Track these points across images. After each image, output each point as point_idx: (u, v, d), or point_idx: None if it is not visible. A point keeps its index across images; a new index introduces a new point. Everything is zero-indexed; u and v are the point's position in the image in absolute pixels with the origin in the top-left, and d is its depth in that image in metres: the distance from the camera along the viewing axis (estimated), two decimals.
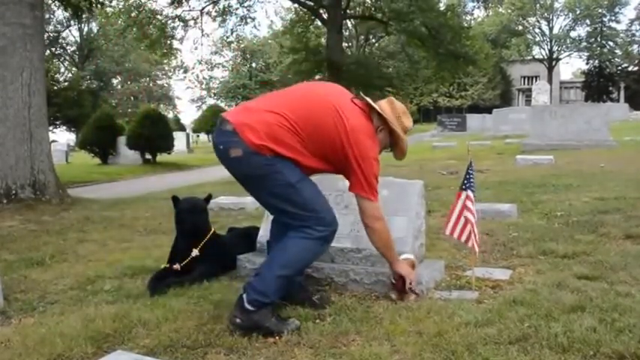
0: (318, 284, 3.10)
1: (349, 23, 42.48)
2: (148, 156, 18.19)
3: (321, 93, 2.65)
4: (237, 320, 2.46)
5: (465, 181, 3.01)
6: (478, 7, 62.14)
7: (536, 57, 62.69)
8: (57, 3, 14.43)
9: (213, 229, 3.58)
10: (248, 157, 2.44)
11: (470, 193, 2.99)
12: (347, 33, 45.50)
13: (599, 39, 59.38)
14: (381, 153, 2.73)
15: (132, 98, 57.12)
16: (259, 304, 2.46)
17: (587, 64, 60.84)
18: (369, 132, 2.60)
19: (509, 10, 59.86)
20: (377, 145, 2.63)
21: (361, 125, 2.57)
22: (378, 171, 2.60)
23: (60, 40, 52.51)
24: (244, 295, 2.50)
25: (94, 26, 51.79)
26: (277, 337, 2.41)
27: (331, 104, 2.55)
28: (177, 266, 3.38)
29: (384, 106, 2.70)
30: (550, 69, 60.20)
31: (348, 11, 33.17)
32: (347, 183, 3.28)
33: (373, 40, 47.84)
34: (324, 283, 3.10)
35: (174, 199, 3.48)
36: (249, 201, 6.14)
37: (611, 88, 57.07)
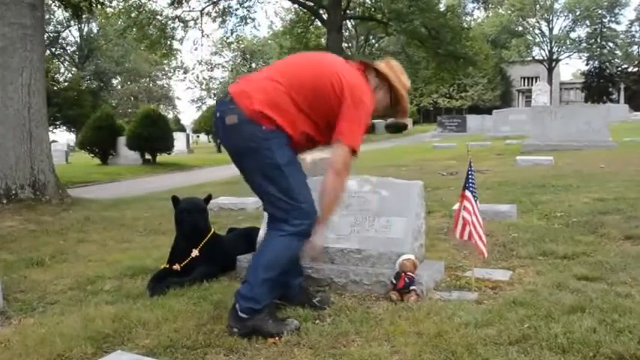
0: (318, 285, 3.10)
1: (349, 24, 42.51)
2: (148, 156, 18.19)
3: (317, 58, 2.63)
4: (235, 330, 2.45)
5: (466, 182, 3.02)
6: (478, 8, 62.17)
7: (536, 58, 62.74)
8: (57, 3, 14.42)
9: (213, 230, 3.58)
10: (242, 125, 2.42)
11: (468, 193, 2.99)
12: (347, 33, 45.52)
13: (599, 40, 59.44)
14: (380, 118, 2.71)
15: (132, 98, 57.18)
16: (253, 311, 2.45)
17: (587, 65, 60.95)
18: (366, 88, 2.55)
19: (509, 11, 59.90)
20: (372, 101, 2.57)
21: (358, 82, 2.52)
22: (365, 125, 2.52)
23: (60, 41, 52.54)
24: (237, 305, 2.48)
25: (94, 26, 51.92)
26: (277, 338, 2.41)
27: (327, 66, 2.52)
28: (177, 267, 3.38)
29: (381, 65, 2.67)
30: (550, 70, 60.23)
31: (347, 12, 33.17)
32: (347, 183, 3.29)
33: (373, 41, 47.87)
34: (324, 284, 3.10)
35: (174, 199, 3.47)
36: (249, 201, 6.15)
37: (611, 89, 57.12)
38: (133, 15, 25.94)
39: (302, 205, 2.48)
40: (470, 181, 3.00)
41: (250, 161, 2.50)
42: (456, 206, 3.08)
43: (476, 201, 3.01)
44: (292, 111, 2.45)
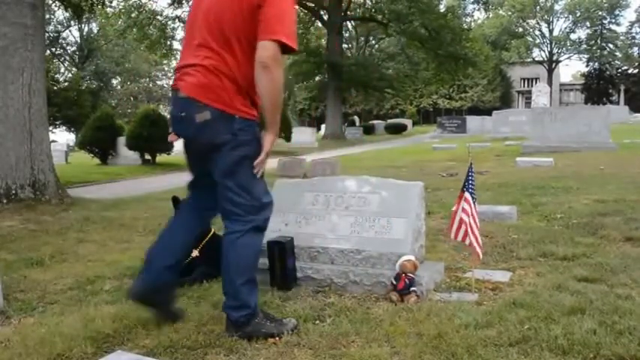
0: (318, 285, 3.10)
1: (349, 25, 42.55)
2: (148, 156, 18.18)
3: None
4: (235, 337, 2.44)
5: (465, 183, 3.02)
6: (478, 9, 62.25)
7: (536, 59, 62.80)
8: (57, 3, 14.42)
9: (213, 230, 3.58)
10: (216, 120, 2.33)
11: (467, 194, 2.99)
12: (347, 34, 45.56)
13: (599, 41, 59.51)
14: None
15: (132, 98, 57.20)
16: (246, 317, 2.44)
17: (587, 66, 61.05)
18: None
19: (510, 12, 59.96)
20: None
21: None
22: (293, 17, 2.36)
23: (60, 40, 52.55)
24: (230, 317, 2.47)
25: (94, 27, 51.96)
26: (277, 338, 2.41)
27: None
28: None
29: None
30: (550, 71, 60.29)
31: (348, 13, 33.17)
32: (347, 184, 3.30)
33: (373, 42, 47.92)
34: (324, 285, 3.10)
35: (174, 199, 3.47)
36: None
37: (610, 91, 57.18)
38: (133, 15, 26.02)
39: (255, 203, 2.45)
40: (470, 182, 3.01)
41: (220, 155, 2.39)
42: (454, 207, 3.09)
43: (474, 203, 3.02)
44: (229, 61, 2.34)
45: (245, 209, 2.44)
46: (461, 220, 3.00)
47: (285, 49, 2.30)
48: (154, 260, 2.63)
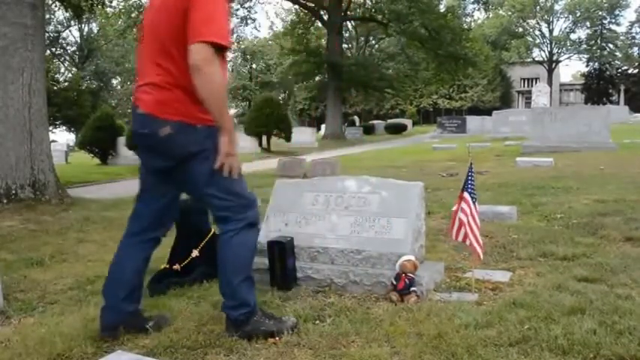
0: (318, 285, 3.11)
1: (349, 25, 42.55)
2: None
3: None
4: (235, 337, 2.45)
5: (465, 183, 3.02)
6: (478, 9, 62.25)
7: (536, 59, 62.80)
8: (57, 3, 14.42)
9: (213, 230, 3.58)
10: (179, 132, 2.34)
11: (466, 194, 2.99)
12: (347, 34, 45.57)
13: (599, 41, 59.50)
14: None
15: (132, 99, 57.18)
16: (246, 316, 2.45)
17: (587, 66, 61.04)
18: None
19: (510, 12, 59.96)
20: None
21: None
22: (224, 15, 2.32)
23: (60, 40, 52.52)
24: (229, 317, 2.48)
25: (94, 27, 51.94)
26: (277, 338, 2.41)
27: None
28: (177, 267, 3.40)
29: None
30: (550, 71, 60.28)
31: (348, 13, 33.18)
32: (347, 184, 3.30)
33: (373, 42, 47.92)
34: (324, 285, 3.10)
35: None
36: None
37: (610, 91, 57.18)
38: (133, 15, 26.02)
39: (243, 201, 2.46)
40: (469, 182, 3.01)
41: (196, 163, 2.39)
42: (454, 207, 3.09)
43: (474, 203, 3.02)
44: (173, 71, 2.35)
45: (234, 210, 2.45)
46: (460, 221, 3.00)
47: (219, 48, 2.28)
48: (108, 296, 2.59)
